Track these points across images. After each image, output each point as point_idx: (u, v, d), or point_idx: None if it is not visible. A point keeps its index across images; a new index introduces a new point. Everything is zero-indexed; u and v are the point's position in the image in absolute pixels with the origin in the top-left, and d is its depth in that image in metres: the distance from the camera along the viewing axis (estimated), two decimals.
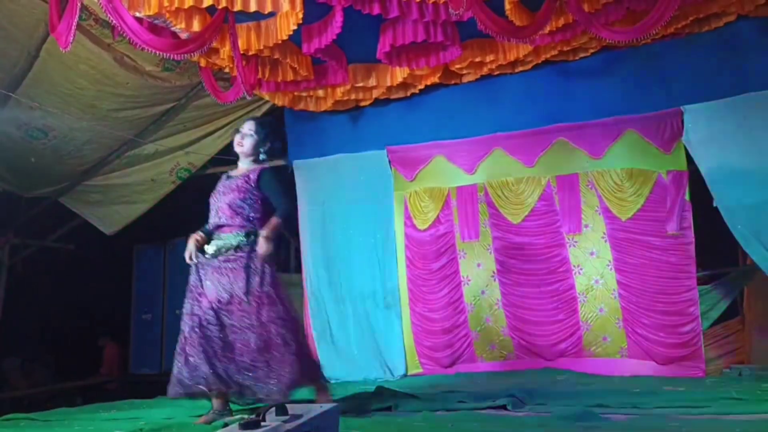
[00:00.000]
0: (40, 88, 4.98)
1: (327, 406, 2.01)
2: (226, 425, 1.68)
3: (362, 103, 6.00)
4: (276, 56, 4.71)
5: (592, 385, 4.46)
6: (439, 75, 5.49)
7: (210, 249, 3.33)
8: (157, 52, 4.11)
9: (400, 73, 5.36)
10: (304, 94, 5.75)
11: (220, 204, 3.42)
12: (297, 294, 6.73)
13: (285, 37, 4.33)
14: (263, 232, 3.26)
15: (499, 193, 5.78)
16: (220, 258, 3.30)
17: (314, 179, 6.38)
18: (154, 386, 6.30)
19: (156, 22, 4.14)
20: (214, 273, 3.29)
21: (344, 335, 6.08)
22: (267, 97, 5.75)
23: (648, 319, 5.24)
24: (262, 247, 3.22)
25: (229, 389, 3.21)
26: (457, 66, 5.30)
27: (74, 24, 3.74)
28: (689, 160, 5.21)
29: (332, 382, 5.78)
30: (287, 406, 1.83)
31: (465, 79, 5.75)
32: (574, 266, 5.55)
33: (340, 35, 4.42)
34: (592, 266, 5.50)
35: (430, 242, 5.96)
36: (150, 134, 6.17)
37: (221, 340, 3.23)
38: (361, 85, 5.50)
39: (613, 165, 5.46)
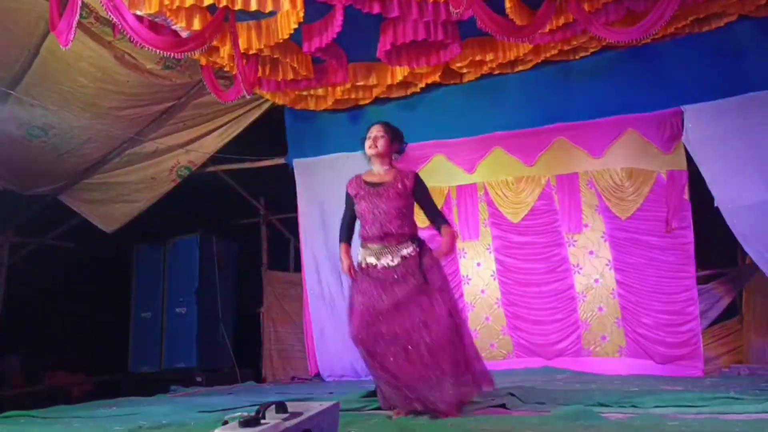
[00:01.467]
0: (41, 86, 4.97)
1: (327, 404, 2.01)
2: (225, 422, 1.68)
3: (362, 102, 6.00)
4: (276, 55, 4.71)
5: (591, 384, 4.46)
6: (439, 74, 5.49)
7: (391, 260, 3.26)
8: (158, 51, 4.12)
9: (400, 72, 5.36)
10: (304, 93, 5.75)
11: (385, 210, 3.30)
12: (297, 293, 6.74)
13: (286, 36, 4.33)
14: (449, 233, 3.31)
15: (499, 192, 5.79)
16: (394, 267, 3.25)
17: (314, 178, 6.38)
18: (153, 384, 6.31)
19: (156, 20, 4.14)
20: (387, 282, 3.23)
21: (342, 334, 6.07)
22: (267, 96, 5.76)
23: (647, 318, 5.25)
24: (450, 248, 3.30)
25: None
26: (458, 65, 5.30)
27: (75, 22, 3.74)
28: (689, 160, 5.22)
29: (331, 381, 5.82)
30: (287, 403, 1.83)
31: (465, 79, 5.75)
32: (574, 265, 5.56)
33: (340, 34, 4.42)
34: (592, 265, 5.51)
35: (430, 241, 5.94)
36: (150, 132, 6.16)
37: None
38: (361, 84, 5.50)
39: (612, 164, 5.47)
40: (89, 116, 5.45)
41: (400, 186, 3.34)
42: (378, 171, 3.46)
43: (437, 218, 3.41)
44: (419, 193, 3.40)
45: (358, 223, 3.44)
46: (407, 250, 3.28)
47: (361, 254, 3.35)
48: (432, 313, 3.13)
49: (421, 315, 3.13)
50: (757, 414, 2.93)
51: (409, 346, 3.10)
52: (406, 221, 3.32)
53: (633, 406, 3.23)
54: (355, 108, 6.15)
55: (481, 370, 3.28)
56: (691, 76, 5.23)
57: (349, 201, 3.48)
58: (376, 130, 3.47)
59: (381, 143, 3.43)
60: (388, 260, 3.26)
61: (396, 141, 3.49)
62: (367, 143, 3.45)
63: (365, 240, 3.34)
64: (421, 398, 3.07)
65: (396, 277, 3.22)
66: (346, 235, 3.49)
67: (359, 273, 3.32)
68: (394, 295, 3.18)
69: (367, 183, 3.42)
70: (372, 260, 3.29)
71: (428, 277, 3.21)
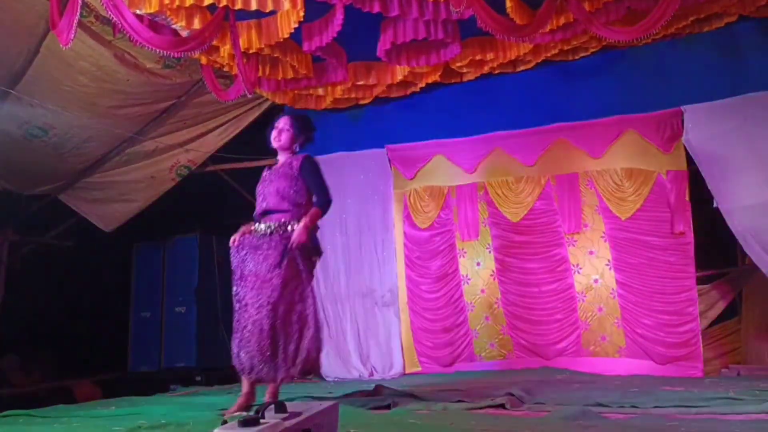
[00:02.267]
0: (41, 86, 4.97)
1: (326, 403, 2.01)
2: (224, 422, 1.68)
3: (362, 102, 6.00)
4: (276, 54, 4.71)
5: (590, 384, 4.46)
6: (439, 73, 5.49)
7: (259, 229, 3.49)
8: (158, 50, 4.11)
9: (400, 72, 5.36)
10: (304, 92, 5.75)
11: (268, 190, 3.56)
12: None
13: (286, 36, 4.33)
14: (302, 221, 3.41)
15: (499, 192, 5.79)
16: (263, 238, 3.45)
17: None
18: (153, 383, 6.31)
19: (157, 19, 4.14)
20: (253, 252, 3.45)
21: (342, 334, 6.09)
22: (267, 96, 5.75)
23: (647, 318, 5.25)
24: (299, 234, 3.37)
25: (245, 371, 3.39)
26: (458, 64, 5.30)
27: (75, 21, 3.74)
28: (689, 160, 5.22)
29: (330, 380, 5.81)
30: (286, 403, 1.83)
31: (465, 78, 5.75)
32: (574, 265, 5.56)
33: (340, 33, 4.42)
34: (592, 265, 5.51)
35: (430, 241, 5.97)
36: (150, 131, 6.16)
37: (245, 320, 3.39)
38: (361, 83, 5.50)
39: (612, 164, 5.47)
40: (89, 115, 5.45)
41: (287, 168, 3.56)
42: (280, 159, 3.71)
43: (318, 199, 3.54)
44: (305, 173, 3.55)
45: None
46: (280, 225, 3.44)
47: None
48: (271, 294, 3.32)
49: (264, 294, 3.33)
50: (757, 414, 2.93)
51: (251, 318, 3.34)
52: (286, 201, 3.49)
53: (633, 406, 3.23)
54: (355, 107, 6.15)
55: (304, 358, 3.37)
56: (692, 77, 5.23)
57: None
58: (282, 123, 3.68)
59: (284, 137, 3.65)
60: (260, 230, 3.48)
61: (302, 135, 3.68)
62: (273, 134, 3.66)
63: (254, 218, 3.59)
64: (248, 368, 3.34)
65: (262, 247, 3.42)
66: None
67: (240, 240, 3.52)
68: (257, 262, 3.40)
69: (269, 168, 3.71)
70: (253, 230, 3.52)
71: (284, 260, 3.35)
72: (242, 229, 3.59)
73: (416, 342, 5.94)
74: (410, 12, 4.28)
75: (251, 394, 3.49)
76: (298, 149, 3.69)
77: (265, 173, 3.72)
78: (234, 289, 3.50)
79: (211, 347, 7.27)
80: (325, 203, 3.55)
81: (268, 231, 3.46)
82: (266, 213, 3.54)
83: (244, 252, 3.50)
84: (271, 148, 3.71)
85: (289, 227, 3.45)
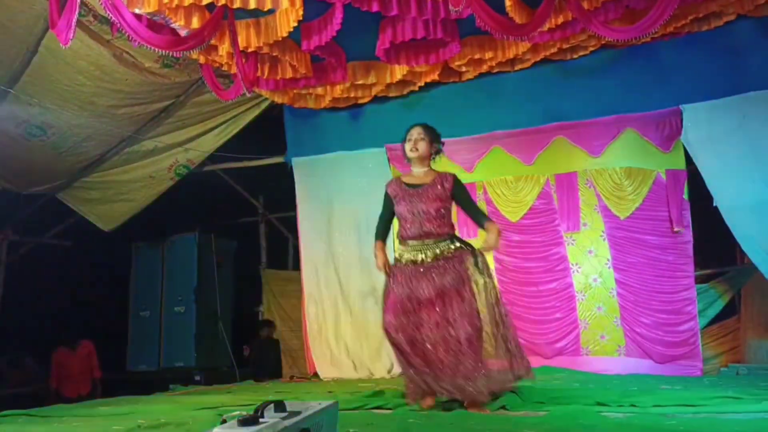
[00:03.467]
0: (39, 85, 4.97)
1: (325, 403, 2.01)
2: (224, 421, 1.67)
3: (361, 101, 6.00)
4: (275, 53, 4.71)
5: (589, 383, 4.46)
6: (438, 72, 5.49)
7: (426, 256, 3.36)
8: (157, 49, 4.11)
9: (399, 71, 5.35)
10: (303, 91, 5.74)
11: (421, 210, 3.39)
12: (296, 291, 6.74)
13: (285, 35, 4.33)
14: (496, 228, 3.33)
15: (498, 191, 5.79)
16: (430, 264, 3.34)
17: (313, 177, 6.37)
18: (152, 383, 6.31)
19: (155, 18, 4.14)
20: (420, 278, 3.33)
21: (341, 333, 6.08)
22: (266, 95, 5.75)
23: (646, 317, 5.25)
24: (498, 241, 3.30)
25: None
26: (457, 63, 5.29)
27: (74, 20, 3.73)
28: (688, 159, 5.22)
29: (329, 380, 5.82)
30: (285, 402, 1.83)
31: (464, 77, 5.74)
32: (573, 264, 5.55)
33: (339, 33, 4.41)
34: (591, 264, 5.51)
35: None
36: (149, 131, 6.16)
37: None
38: (360, 82, 5.49)
39: (611, 164, 5.47)
40: (88, 115, 5.45)
41: (439, 188, 3.43)
42: (417, 173, 3.54)
43: (479, 217, 3.48)
44: (458, 194, 3.48)
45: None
46: (446, 247, 3.37)
47: (398, 251, 3.48)
48: (471, 304, 3.22)
49: (461, 306, 3.21)
50: (756, 413, 2.93)
51: (448, 335, 3.19)
52: (444, 221, 3.41)
53: (632, 405, 3.23)
54: (355, 107, 6.15)
55: (519, 364, 3.31)
56: (690, 75, 5.23)
57: (387, 201, 3.58)
58: (416, 133, 3.54)
59: (422, 146, 3.50)
60: (426, 256, 3.36)
61: (435, 142, 3.57)
62: (408, 146, 3.52)
63: (405, 239, 3.44)
64: (454, 385, 3.15)
65: (435, 269, 3.31)
66: (382, 234, 3.57)
67: (395, 267, 3.42)
68: (434, 285, 3.28)
69: (407, 185, 3.50)
70: (410, 256, 3.39)
71: (465, 270, 3.29)
72: (382, 252, 3.48)
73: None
74: (409, 11, 4.28)
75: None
76: (434, 158, 3.60)
77: (399, 189, 3.52)
78: (398, 321, 3.29)
79: (210, 347, 7.28)
80: (489, 218, 3.49)
81: (437, 256, 3.35)
82: (424, 236, 3.38)
83: (405, 278, 3.35)
84: (407, 160, 3.60)
85: (452, 246, 3.38)
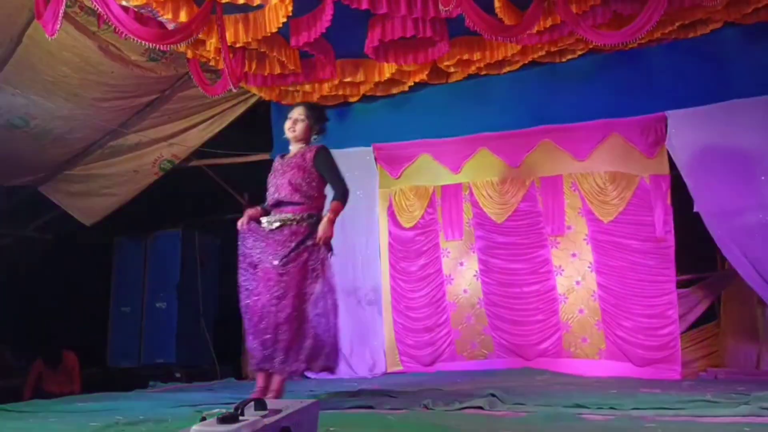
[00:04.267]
0: (23, 75, 4.89)
1: (307, 402, 2.00)
2: (203, 419, 1.66)
3: (350, 99, 5.98)
4: (263, 49, 4.68)
5: (570, 385, 4.48)
6: (426, 72, 5.49)
7: (272, 223, 3.43)
8: (143, 42, 4.07)
9: (388, 69, 5.35)
10: (291, 88, 5.72)
11: (280, 181, 3.48)
12: None
13: (274, 30, 4.31)
14: (327, 215, 3.37)
15: (484, 192, 5.81)
16: (275, 231, 3.40)
17: None
18: (132, 379, 6.24)
19: (142, 11, 4.09)
20: (264, 242, 3.40)
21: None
22: (254, 91, 5.72)
23: (627, 321, 5.29)
24: (325, 229, 3.34)
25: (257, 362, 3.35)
26: (445, 63, 5.30)
27: (61, 11, 3.69)
28: (672, 165, 5.27)
29: (311, 378, 5.79)
30: (266, 401, 1.82)
31: (452, 78, 5.76)
32: (556, 267, 5.59)
33: (328, 29, 4.40)
34: (574, 268, 5.54)
35: (414, 240, 5.97)
36: (133, 125, 6.10)
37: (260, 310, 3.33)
38: (348, 80, 5.48)
39: (596, 168, 5.51)
40: (72, 107, 5.38)
41: (299, 158, 3.49)
42: (293, 150, 3.61)
43: (336, 191, 3.48)
44: (320, 164, 3.48)
45: None
46: (293, 217, 3.40)
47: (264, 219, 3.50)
48: (290, 286, 3.27)
49: (280, 286, 3.27)
50: (733, 417, 2.96)
51: (263, 311, 3.28)
52: (298, 192, 3.43)
53: (611, 407, 3.25)
54: (343, 105, 6.13)
55: (325, 353, 3.35)
56: (676, 82, 5.28)
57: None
58: (297, 113, 3.58)
59: (299, 127, 3.56)
60: (271, 222, 3.42)
61: (316, 124, 3.60)
62: (287, 124, 3.57)
63: (264, 209, 3.54)
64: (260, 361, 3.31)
65: (275, 240, 3.36)
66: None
67: (248, 230, 3.47)
68: (272, 253, 3.33)
69: (281, 158, 3.63)
70: (263, 223, 3.46)
71: (299, 249, 3.32)
72: (248, 212, 3.54)
73: (398, 341, 5.93)
74: (399, 9, 4.28)
75: (265, 388, 3.40)
76: (316, 139, 3.62)
77: (276, 163, 3.64)
78: (241, 277, 3.44)
79: (191, 344, 7.22)
80: (343, 195, 3.48)
81: (281, 224, 3.41)
82: (278, 204, 3.48)
83: (253, 240, 3.45)
84: (285, 139, 3.64)
85: (302, 220, 3.41)
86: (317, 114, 3.63)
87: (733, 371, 5.15)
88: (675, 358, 5.15)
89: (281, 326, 3.26)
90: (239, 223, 3.52)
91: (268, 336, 3.26)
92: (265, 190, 3.69)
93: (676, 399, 3.39)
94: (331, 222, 3.37)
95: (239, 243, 3.51)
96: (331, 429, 2.73)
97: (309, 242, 3.37)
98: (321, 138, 3.67)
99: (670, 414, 3.09)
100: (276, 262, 3.31)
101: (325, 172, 3.50)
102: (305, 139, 3.58)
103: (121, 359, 7.30)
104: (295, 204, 3.44)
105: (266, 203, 3.58)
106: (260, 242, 3.42)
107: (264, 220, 3.48)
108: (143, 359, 7.20)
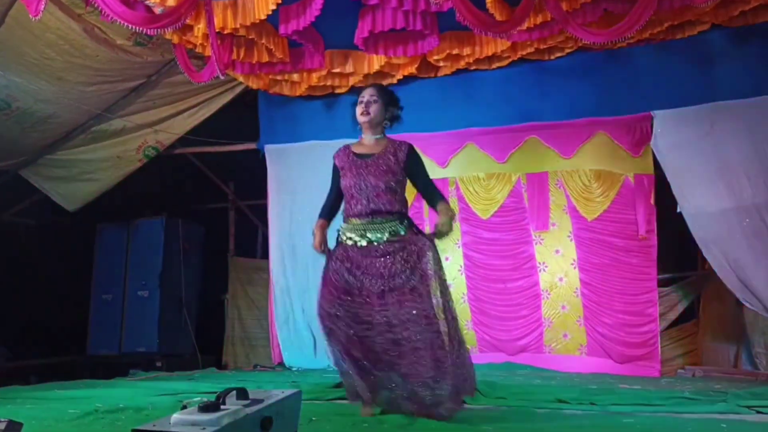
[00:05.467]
0: (5, 56, 4.80)
1: (288, 391, 1.99)
2: (184, 407, 1.64)
3: (338, 91, 5.95)
4: (252, 36, 4.64)
5: (551, 380, 4.53)
6: (416, 66, 5.48)
7: (374, 238, 2.90)
8: (130, 26, 4.01)
9: (377, 61, 5.33)
10: (279, 77, 5.68)
11: (369, 184, 2.93)
12: (263, 280, 6.68)
13: (262, 17, 4.27)
14: (447, 209, 2.92)
15: (470, 188, 5.81)
16: (378, 248, 2.89)
17: (285, 165, 6.31)
18: (112, 367, 6.19)
19: None
20: (364, 263, 2.90)
21: (308, 324, 6.05)
22: (241, 79, 5.66)
23: (608, 318, 5.35)
24: (447, 225, 2.85)
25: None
26: (435, 57, 5.29)
27: None
28: (656, 164, 5.31)
29: (294, 369, 5.79)
30: (248, 390, 1.80)
31: (441, 72, 5.74)
32: (540, 263, 5.62)
33: (318, 19, 4.37)
34: (557, 264, 5.58)
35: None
36: (118, 110, 6.02)
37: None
38: (337, 71, 5.45)
39: (582, 165, 5.54)
40: (55, 90, 5.29)
41: (391, 158, 2.97)
42: (368, 141, 3.07)
43: (434, 196, 3.04)
44: (413, 166, 3.01)
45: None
46: (396, 228, 2.91)
47: (342, 231, 3.01)
48: (427, 303, 2.79)
49: (413, 304, 2.77)
50: (709, 414, 3.01)
51: (401, 335, 2.76)
52: (396, 198, 2.96)
53: (591, 403, 3.28)
54: (331, 96, 6.10)
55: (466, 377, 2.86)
56: (663, 82, 5.31)
57: (336, 175, 3.11)
58: (368, 94, 3.05)
59: (374, 109, 3.02)
60: (373, 238, 2.90)
61: (391, 106, 3.08)
62: (359, 109, 3.04)
63: (349, 216, 2.99)
64: (407, 391, 2.72)
65: (382, 255, 2.86)
66: (327, 212, 3.13)
67: (336, 250, 3.00)
68: (382, 274, 2.84)
69: (355, 154, 3.04)
70: (355, 237, 2.93)
71: (422, 262, 2.84)
72: (319, 234, 3.04)
73: None
74: (389, 1, 4.26)
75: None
76: (388, 125, 3.09)
77: (346, 159, 3.05)
78: (334, 308, 2.89)
79: (173, 333, 7.17)
80: (444, 199, 3.05)
81: (387, 239, 2.89)
82: (371, 214, 2.92)
83: (349, 265, 2.91)
84: (357, 126, 3.10)
85: (407, 231, 2.92)
86: (389, 96, 3.10)
87: (711, 369, 5.23)
88: (654, 355, 5.21)
89: (438, 350, 2.77)
90: (317, 244, 3.04)
91: (423, 368, 2.73)
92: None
93: (655, 395, 3.44)
94: (453, 217, 2.93)
95: (332, 270, 3.00)
96: (314, 419, 2.73)
97: (420, 249, 2.90)
98: (391, 127, 3.14)
99: (649, 410, 3.13)
100: (395, 280, 2.84)
101: (416, 176, 3.04)
102: (381, 123, 3.05)
103: (102, 347, 7.23)
104: (395, 213, 2.95)
105: (347, 211, 3.02)
106: (359, 265, 2.92)
107: (359, 237, 2.93)
108: (124, 347, 7.13)
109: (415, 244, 2.89)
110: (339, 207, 3.13)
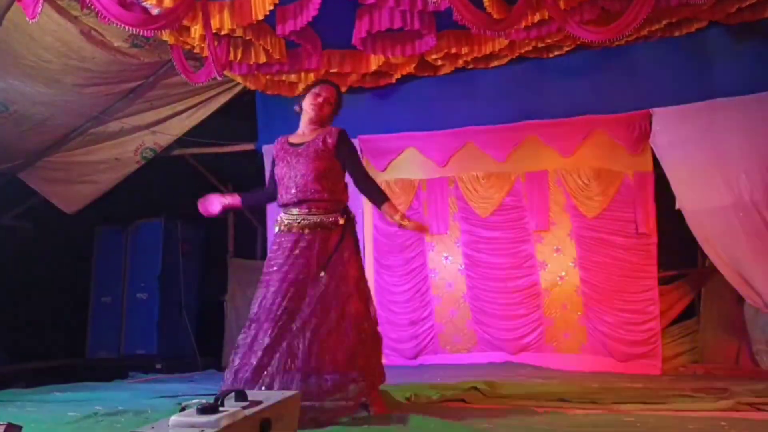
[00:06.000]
0: (2, 60, 4.79)
1: (288, 393, 1.98)
2: (183, 409, 1.63)
3: None
4: (249, 37, 4.62)
5: (552, 379, 4.52)
6: (414, 65, 5.47)
7: (300, 223, 2.89)
8: (126, 28, 3.99)
9: (375, 61, 5.31)
10: (276, 78, 5.66)
11: (298, 172, 2.92)
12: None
13: (260, 18, 4.25)
14: (397, 211, 2.96)
15: (470, 186, 5.80)
16: (305, 235, 2.88)
17: None
18: (111, 370, 6.18)
19: None
20: (289, 251, 2.88)
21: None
22: (239, 80, 5.65)
23: (609, 316, 5.34)
24: (406, 224, 2.93)
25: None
26: (433, 57, 5.28)
27: None
28: (655, 162, 5.30)
29: None
30: (247, 392, 1.79)
31: (440, 72, 5.73)
32: (540, 262, 5.61)
33: (315, 19, 4.35)
34: (557, 263, 5.57)
35: (399, 234, 5.95)
36: (115, 112, 6.00)
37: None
38: (335, 71, 5.43)
39: (581, 163, 5.54)
40: (52, 92, 5.28)
41: (321, 144, 2.95)
42: (303, 130, 3.10)
43: (371, 189, 3.04)
44: (344, 153, 2.99)
45: None
46: (326, 218, 2.90)
47: (278, 222, 2.99)
48: (346, 295, 2.85)
49: (320, 299, 2.80)
50: (711, 412, 3.00)
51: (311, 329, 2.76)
52: (327, 186, 2.92)
53: (592, 402, 3.28)
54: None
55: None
56: (661, 80, 5.31)
57: (272, 165, 3.12)
58: (329, 94, 3.10)
59: (327, 111, 3.09)
60: (301, 228, 2.89)
61: (336, 112, 3.17)
62: (310, 99, 3.07)
63: (282, 206, 2.99)
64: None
65: (310, 247, 2.85)
66: (252, 196, 3.32)
67: (274, 240, 2.99)
68: (309, 268, 2.83)
69: (290, 144, 3.05)
70: (286, 227, 2.93)
71: (344, 256, 2.88)
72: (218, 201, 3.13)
73: (382, 334, 5.91)
74: (387, 0, 4.25)
75: None
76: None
77: (280, 149, 3.06)
78: (266, 298, 2.87)
79: (172, 335, 7.15)
80: (378, 188, 3.08)
81: (312, 226, 2.88)
82: (301, 202, 2.92)
83: (283, 258, 2.88)
84: (296, 114, 3.12)
85: (335, 220, 2.91)
86: (341, 102, 3.19)
87: (712, 367, 5.22)
88: (656, 353, 5.20)
89: (352, 342, 2.87)
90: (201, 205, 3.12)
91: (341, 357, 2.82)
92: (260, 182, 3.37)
93: (657, 393, 3.43)
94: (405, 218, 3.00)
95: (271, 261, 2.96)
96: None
97: (345, 242, 2.94)
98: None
99: (650, 408, 3.12)
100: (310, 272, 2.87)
101: (349, 164, 3.03)
102: (327, 123, 3.10)
103: (101, 350, 7.21)
104: (323, 201, 2.93)
105: (279, 199, 3.02)
106: (286, 253, 2.91)
107: (287, 228, 2.94)
108: (124, 350, 7.12)
109: (344, 236, 2.92)
110: (268, 196, 3.19)
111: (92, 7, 3.81)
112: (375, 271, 5.96)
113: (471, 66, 5.60)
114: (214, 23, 4.32)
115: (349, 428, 2.54)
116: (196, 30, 4.39)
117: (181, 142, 6.70)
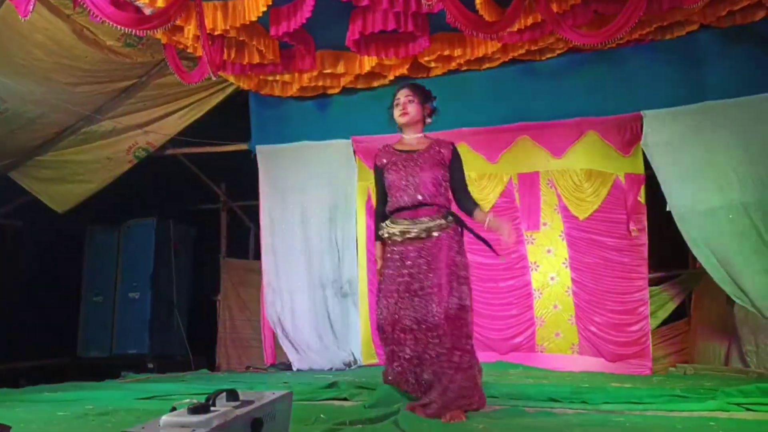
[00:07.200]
0: None
1: (279, 393, 1.98)
2: (173, 409, 1.63)
3: (330, 91, 5.94)
4: (242, 38, 4.62)
5: (543, 379, 4.53)
6: (407, 67, 5.48)
7: (420, 232, 2.96)
8: (119, 27, 3.99)
9: (368, 62, 5.33)
10: (270, 78, 5.66)
11: (416, 179, 2.97)
12: (255, 281, 6.66)
13: (253, 18, 4.25)
14: (493, 218, 3.16)
15: None
16: (420, 242, 2.96)
17: (277, 165, 6.30)
18: (103, 369, 6.16)
19: None
20: (412, 256, 2.96)
21: (300, 324, 6.04)
22: (232, 80, 5.65)
23: (599, 317, 5.36)
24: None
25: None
26: (426, 58, 5.30)
27: None
28: (646, 164, 5.34)
29: (287, 371, 5.77)
30: (238, 392, 1.80)
31: (433, 73, 5.75)
32: (532, 263, 5.63)
33: (309, 20, 4.36)
34: (549, 263, 5.59)
35: None
36: (108, 111, 5.98)
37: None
38: (329, 71, 5.44)
39: (573, 165, 5.56)
40: (44, 91, 5.26)
41: (436, 154, 3.03)
42: (409, 140, 3.12)
43: (469, 200, 3.12)
44: (456, 165, 3.07)
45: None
46: (441, 223, 2.98)
47: (386, 229, 3.04)
48: (450, 299, 2.97)
49: (439, 301, 2.93)
50: (700, 412, 3.02)
51: (428, 333, 2.94)
52: (440, 193, 3.01)
53: (583, 402, 3.29)
54: (322, 96, 6.09)
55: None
56: (652, 82, 5.35)
57: (379, 177, 3.12)
58: (404, 96, 3.12)
59: (411, 109, 3.10)
60: (419, 232, 2.96)
61: (427, 103, 3.15)
62: (397, 111, 3.11)
63: (393, 213, 3.03)
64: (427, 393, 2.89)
65: (424, 253, 2.94)
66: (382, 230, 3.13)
67: (386, 252, 3.05)
68: (419, 276, 2.93)
69: (399, 151, 3.10)
70: (400, 234, 2.98)
71: (456, 260, 3.01)
72: (380, 251, 3.12)
73: (374, 334, 5.92)
74: (380, 2, 4.26)
75: None
76: (429, 122, 3.17)
77: (391, 156, 3.09)
78: (391, 310, 2.94)
79: (164, 335, 7.14)
80: (473, 198, 3.16)
81: (429, 232, 2.97)
82: (419, 206, 2.97)
83: (401, 266, 2.96)
84: (395, 127, 3.18)
85: (447, 224, 3.00)
86: (422, 92, 3.17)
87: (702, 367, 5.25)
88: (646, 354, 5.23)
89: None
90: (379, 259, 3.13)
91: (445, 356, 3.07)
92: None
93: (646, 393, 3.45)
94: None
95: (391, 276, 3.01)
96: (322, 416, 2.72)
97: (456, 245, 3.08)
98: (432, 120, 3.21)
99: (640, 408, 3.14)
100: (436, 272, 2.99)
101: (456, 176, 3.08)
102: (422, 120, 3.14)
103: (92, 349, 7.19)
104: (439, 206, 3.01)
105: (391, 205, 3.05)
106: (409, 261, 2.98)
107: (403, 234, 2.98)
108: (115, 349, 7.10)
109: (454, 239, 3.05)
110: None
111: (85, 5, 3.80)
112: (368, 270, 5.94)
113: (464, 68, 5.62)
114: (208, 23, 4.32)
115: (348, 428, 2.54)
116: (190, 30, 4.39)
117: (173, 141, 6.69)
